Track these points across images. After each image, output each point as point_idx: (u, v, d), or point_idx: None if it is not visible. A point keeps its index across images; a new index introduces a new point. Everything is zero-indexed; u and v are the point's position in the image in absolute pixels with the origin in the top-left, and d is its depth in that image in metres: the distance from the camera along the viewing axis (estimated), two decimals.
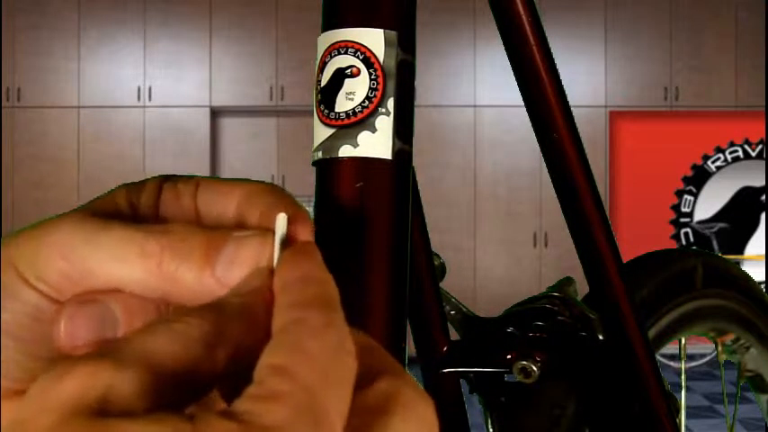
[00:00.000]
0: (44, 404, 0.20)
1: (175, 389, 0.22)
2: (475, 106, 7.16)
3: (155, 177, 0.30)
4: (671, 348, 6.87)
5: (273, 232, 0.27)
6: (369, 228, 0.34)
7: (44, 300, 0.27)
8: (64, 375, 0.20)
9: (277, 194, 0.28)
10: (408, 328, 0.46)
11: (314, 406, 0.20)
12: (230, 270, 0.26)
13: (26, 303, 0.26)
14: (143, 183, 0.30)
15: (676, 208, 7.32)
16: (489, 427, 0.67)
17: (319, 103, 0.36)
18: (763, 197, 7.30)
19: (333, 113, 0.36)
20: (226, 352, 0.23)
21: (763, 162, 7.29)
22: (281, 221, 0.27)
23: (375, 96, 0.35)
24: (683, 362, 0.96)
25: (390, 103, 0.35)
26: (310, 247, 0.26)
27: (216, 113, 7.22)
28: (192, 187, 0.29)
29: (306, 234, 0.27)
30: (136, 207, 0.29)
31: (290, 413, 0.20)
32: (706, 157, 7.31)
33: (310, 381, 0.21)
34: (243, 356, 0.24)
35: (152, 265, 0.26)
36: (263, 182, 0.29)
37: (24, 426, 0.19)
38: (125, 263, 0.26)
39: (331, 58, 0.36)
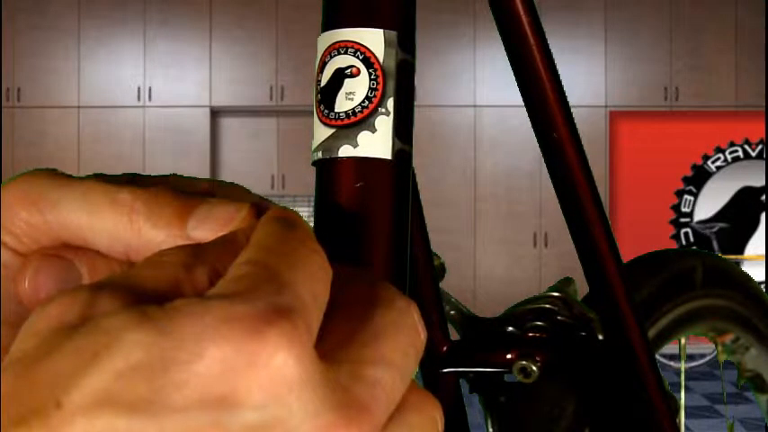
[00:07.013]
0: (29, 331, 0.20)
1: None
2: (475, 106, 7.16)
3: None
4: (671, 348, 6.83)
5: (251, 204, 0.26)
6: (368, 228, 0.34)
7: (9, 254, 0.26)
8: (46, 304, 0.20)
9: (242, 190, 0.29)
10: None
11: (276, 277, 0.20)
12: (200, 229, 0.25)
13: None
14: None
15: (676, 208, 7.32)
16: (489, 427, 0.67)
17: (319, 103, 0.36)
18: (763, 197, 7.30)
19: (332, 113, 0.36)
20: (206, 273, 0.22)
21: (763, 162, 7.29)
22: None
23: (375, 96, 0.35)
24: (683, 362, 0.96)
25: (390, 104, 0.35)
26: (292, 216, 0.24)
27: (216, 113, 7.21)
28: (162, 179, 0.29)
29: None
30: None
31: (250, 283, 0.20)
32: (706, 157, 7.31)
33: (273, 263, 0.21)
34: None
35: (122, 214, 0.25)
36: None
37: (12, 355, 0.19)
38: (95, 211, 0.25)
39: (331, 57, 0.36)
